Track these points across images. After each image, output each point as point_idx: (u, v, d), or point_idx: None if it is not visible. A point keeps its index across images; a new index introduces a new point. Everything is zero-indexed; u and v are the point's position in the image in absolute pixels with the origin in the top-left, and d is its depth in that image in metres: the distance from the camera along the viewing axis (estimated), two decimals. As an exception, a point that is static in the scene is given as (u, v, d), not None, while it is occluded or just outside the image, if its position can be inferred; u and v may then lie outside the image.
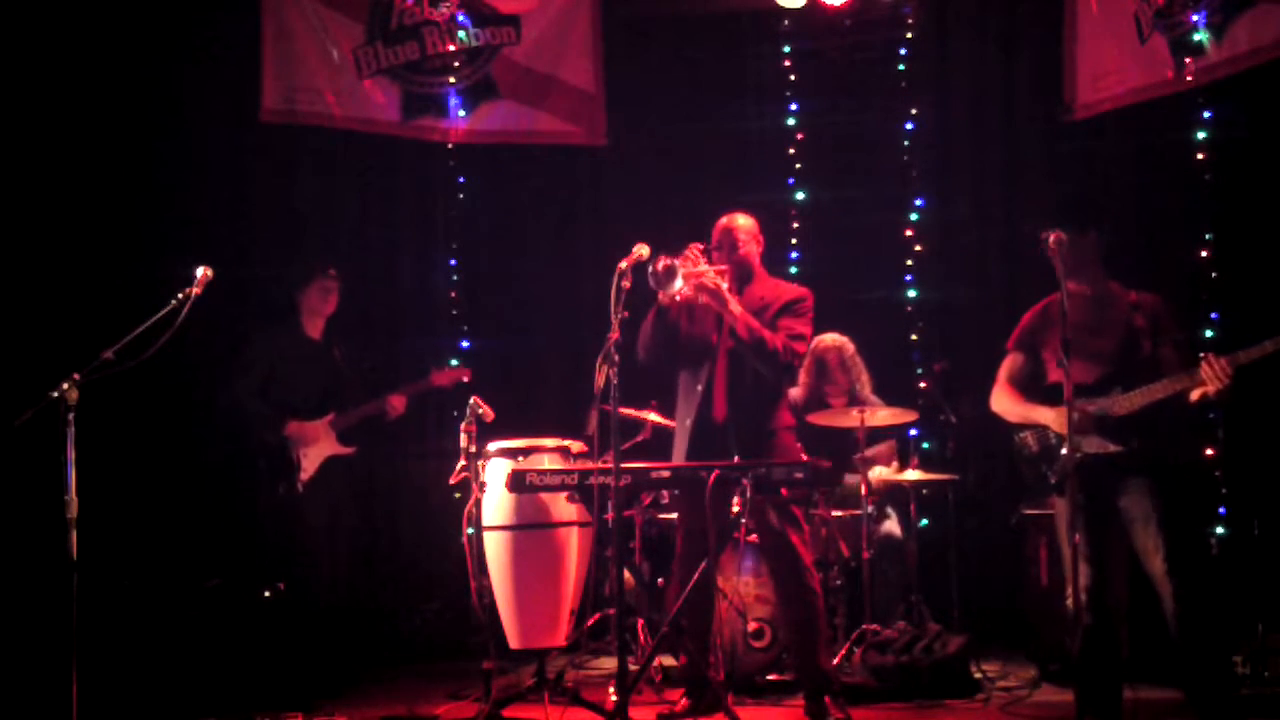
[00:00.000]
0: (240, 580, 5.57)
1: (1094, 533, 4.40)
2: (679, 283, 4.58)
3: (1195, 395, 4.32)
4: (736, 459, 4.57)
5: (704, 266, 4.68)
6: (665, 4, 7.46)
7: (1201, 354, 4.35)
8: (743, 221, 4.95)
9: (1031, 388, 4.64)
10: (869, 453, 5.84)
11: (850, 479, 5.95)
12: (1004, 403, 4.70)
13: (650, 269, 4.56)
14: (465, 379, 6.28)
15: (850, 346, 6.23)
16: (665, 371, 4.99)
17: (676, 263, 4.59)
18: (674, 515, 5.89)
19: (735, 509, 4.83)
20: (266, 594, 5.56)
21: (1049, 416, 4.53)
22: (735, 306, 4.69)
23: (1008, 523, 6.15)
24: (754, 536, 4.95)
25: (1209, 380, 4.27)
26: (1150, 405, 4.37)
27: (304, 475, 5.92)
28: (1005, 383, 4.72)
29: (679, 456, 4.82)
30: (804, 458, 4.90)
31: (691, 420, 4.80)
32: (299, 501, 5.91)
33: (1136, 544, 4.42)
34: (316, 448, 5.96)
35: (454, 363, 6.94)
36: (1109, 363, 4.48)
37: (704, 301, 4.71)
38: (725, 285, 4.71)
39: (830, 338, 6.19)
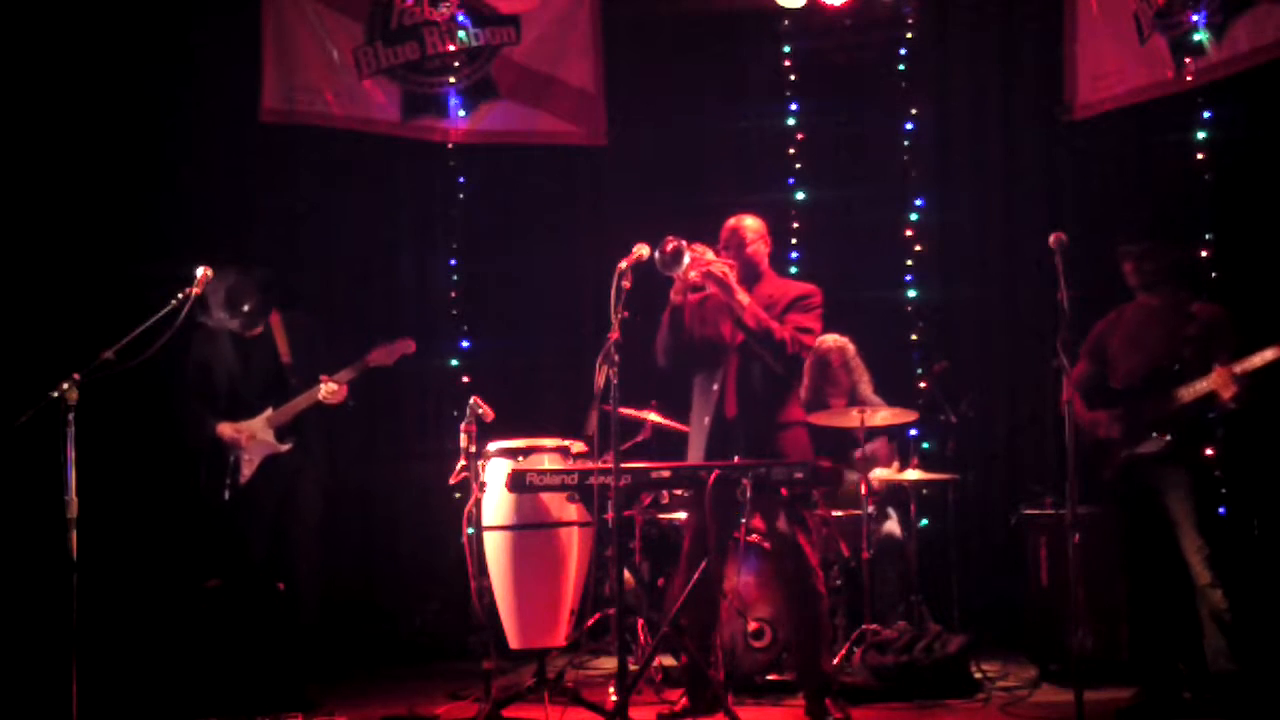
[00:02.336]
0: (240, 580, 5.56)
1: (1137, 533, 4.81)
2: (686, 259, 4.59)
3: (1224, 396, 4.55)
4: (737, 459, 4.58)
5: (712, 256, 4.70)
6: (665, 4, 7.46)
7: (1215, 362, 4.59)
8: (750, 222, 4.97)
9: (1098, 392, 4.95)
10: (868, 448, 5.85)
11: (851, 477, 5.94)
12: (1072, 407, 4.83)
13: (658, 251, 4.56)
14: (410, 350, 5.74)
15: (851, 347, 6.23)
16: (683, 374, 4.98)
17: (684, 244, 4.60)
18: (674, 515, 5.92)
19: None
20: (280, 586, 5.50)
21: (1095, 425, 4.87)
22: (743, 296, 4.70)
23: (1008, 523, 6.15)
24: (755, 537, 4.95)
25: (1217, 387, 4.45)
26: (1179, 409, 4.65)
27: (241, 479, 5.53)
28: (1072, 386, 4.88)
29: (696, 456, 4.81)
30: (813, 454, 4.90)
31: (710, 419, 4.80)
32: (236, 505, 5.53)
33: (1180, 544, 4.65)
34: (254, 448, 5.54)
35: (464, 343, 6.74)
36: (1153, 369, 4.76)
37: (711, 291, 4.72)
38: (733, 275, 4.73)
39: (832, 338, 6.19)
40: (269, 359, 5.61)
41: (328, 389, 5.45)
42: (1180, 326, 4.78)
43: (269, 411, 5.55)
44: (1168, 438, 4.69)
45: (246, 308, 5.49)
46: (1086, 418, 4.92)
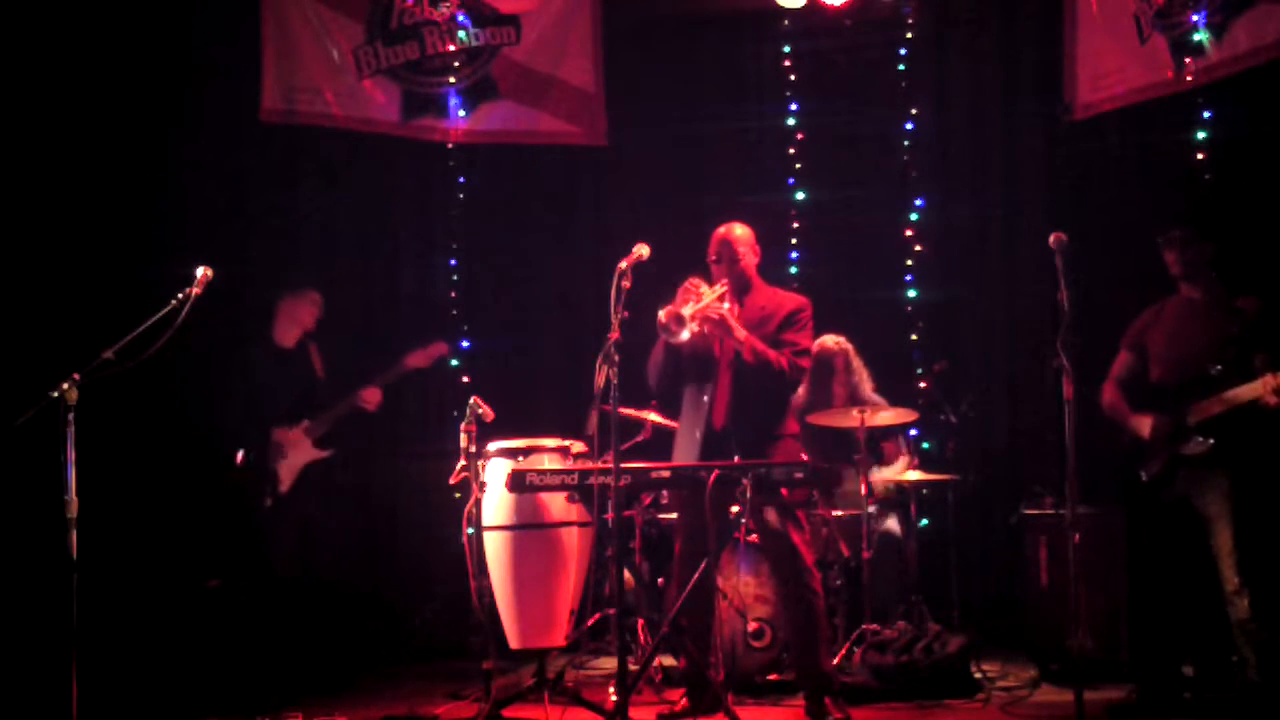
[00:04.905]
0: (240, 580, 5.56)
1: (1162, 533, 4.78)
2: (685, 335, 4.63)
3: (1270, 404, 4.51)
4: (737, 459, 4.58)
5: (705, 293, 4.71)
6: (665, 4, 7.46)
7: (1256, 362, 4.56)
8: (740, 232, 4.97)
9: (1138, 385, 4.93)
10: (885, 447, 5.91)
11: (849, 487, 5.96)
12: (1110, 402, 5.01)
13: (658, 322, 4.61)
14: (444, 352, 6.15)
15: (851, 348, 6.23)
16: (675, 391, 4.99)
17: (684, 312, 4.62)
18: (674, 515, 5.92)
19: (735, 510, 4.84)
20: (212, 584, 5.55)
21: (1139, 426, 4.84)
22: (741, 332, 4.71)
23: (1008, 523, 6.15)
24: (754, 537, 4.95)
25: (1266, 394, 4.46)
26: (1224, 413, 4.60)
27: (282, 487, 5.79)
28: (1114, 381, 5.03)
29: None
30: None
31: (701, 431, 4.79)
32: (273, 514, 5.78)
33: (1211, 545, 4.58)
34: (293, 456, 5.84)
35: (463, 345, 6.79)
36: (1195, 368, 4.71)
37: (709, 332, 4.73)
38: (727, 307, 4.74)
39: (832, 340, 6.18)
40: (306, 372, 5.97)
41: (368, 394, 5.88)
42: (1224, 324, 4.72)
43: (306, 422, 5.85)
44: (1210, 441, 4.64)
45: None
46: (1129, 415, 4.90)
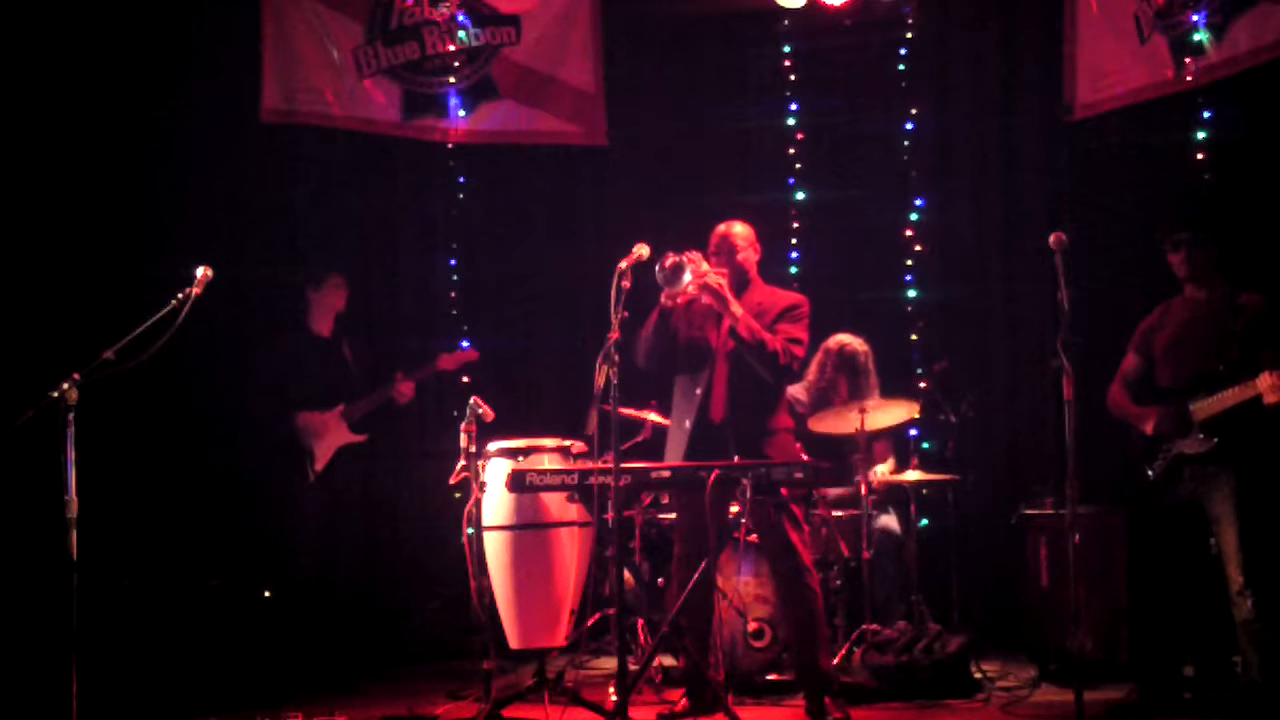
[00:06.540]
0: (240, 580, 5.57)
1: (1166, 532, 4.78)
2: (687, 277, 4.60)
3: (1268, 401, 4.51)
4: (736, 459, 4.58)
5: (706, 268, 4.70)
6: (665, 4, 7.45)
7: (1262, 358, 4.57)
8: (740, 229, 4.97)
9: (1144, 387, 4.96)
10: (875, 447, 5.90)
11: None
12: (1115, 401, 5.04)
13: (658, 267, 4.59)
14: (473, 360, 6.37)
15: (869, 349, 6.22)
16: (664, 375, 4.99)
17: (684, 260, 4.61)
18: (674, 515, 5.92)
19: (735, 509, 4.83)
20: (266, 594, 5.56)
21: (1144, 420, 4.86)
22: (737, 308, 4.71)
23: (1008, 523, 6.15)
24: (754, 536, 4.96)
25: (1265, 391, 4.42)
26: (1229, 410, 4.60)
27: (318, 466, 5.96)
28: (1120, 381, 5.06)
29: (675, 458, 4.81)
30: (804, 457, 4.91)
31: (691, 422, 4.80)
32: (307, 494, 5.95)
33: (1217, 545, 4.61)
34: (328, 439, 6.00)
35: (464, 345, 6.86)
36: (1200, 365, 4.71)
37: (706, 302, 4.73)
38: (726, 284, 4.73)
39: (857, 340, 6.17)
40: (339, 362, 6.16)
41: (404, 386, 6.09)
42: (1227, 322, 4.73)
43: (341, 406, 6.03)
44: (1214, 439, 4.64)
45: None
46: (1134, 411, 4.92)
